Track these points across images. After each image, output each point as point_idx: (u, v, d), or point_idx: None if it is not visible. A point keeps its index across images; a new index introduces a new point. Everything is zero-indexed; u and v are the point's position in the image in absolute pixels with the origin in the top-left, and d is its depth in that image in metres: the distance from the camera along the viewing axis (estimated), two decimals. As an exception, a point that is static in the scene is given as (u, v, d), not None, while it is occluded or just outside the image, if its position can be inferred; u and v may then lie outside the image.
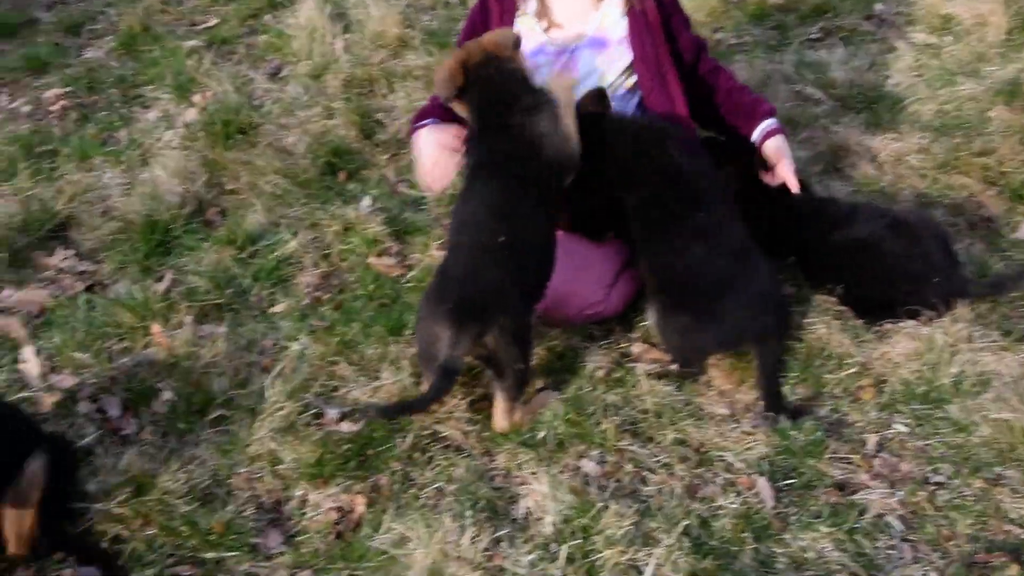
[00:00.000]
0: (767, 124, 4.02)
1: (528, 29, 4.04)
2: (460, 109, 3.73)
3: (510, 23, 4.06)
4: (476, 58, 3.64)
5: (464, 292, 3.39)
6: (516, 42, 3.70)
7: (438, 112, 3.99)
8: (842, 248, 3.94)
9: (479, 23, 4.11)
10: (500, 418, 3.50)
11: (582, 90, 3.89)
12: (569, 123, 3.63)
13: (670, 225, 3.71)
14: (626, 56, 4.00)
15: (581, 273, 3.87)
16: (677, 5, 4.11)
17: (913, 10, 6.10)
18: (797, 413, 3.51)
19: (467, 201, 3.64)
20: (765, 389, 3.61)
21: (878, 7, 6.19)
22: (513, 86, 3.65)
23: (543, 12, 4.07)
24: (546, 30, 4.07)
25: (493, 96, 3.64)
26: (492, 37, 3.71)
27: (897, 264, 3.83)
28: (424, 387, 3.52)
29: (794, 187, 3.93)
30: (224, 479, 3.40)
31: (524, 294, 3.51)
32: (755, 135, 4.02)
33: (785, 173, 3.93)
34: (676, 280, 3.69)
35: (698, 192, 3.75)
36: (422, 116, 4.07)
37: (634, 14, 3.99)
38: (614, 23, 4.02)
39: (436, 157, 3.85)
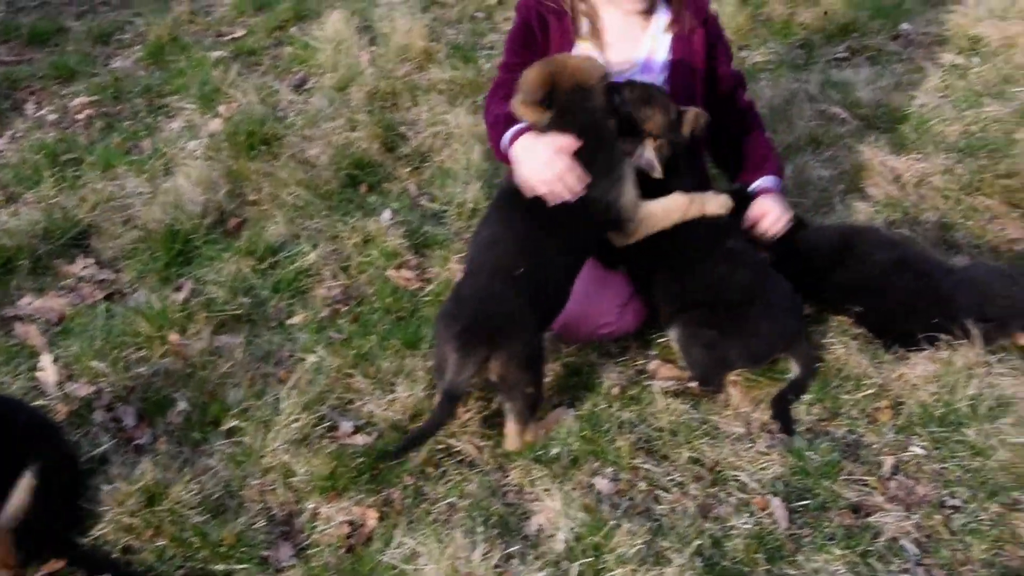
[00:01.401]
0: (766, 180, 4.00)
1: (587, 53, 3.97)
2: (530, 116, 3.63)
3: (568, 45, 3.96)
4: (566, 81, 3.58)
5: (475, 316, 3.39)
6: (604, 76, 3.65)
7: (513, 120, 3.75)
8: (845, 288, 3.95)
9: (538, 35, 3.98)
10: (512, 438, 3.49)
11: None
12: (631, 193, 3.63)
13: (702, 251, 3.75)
14: (663, 80, 3.97)
15: (595, 293, 3.86)
16: (722, 35, 4.09)
17: (941, 30, 6.07)
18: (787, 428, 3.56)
19: (494, 223, 3.64)
20: (782, 401, 3.64)
21: (904, 27, 6.16)
22: (595, 136, 3.59)
23: (595, 33, 3.99)
24: (601, 52, 3.99)
25: (573, 131, 3.58)
26: (583, 64, 3.65)
27: (902, 300, 3.83)
28: (436, 399, 3.52)
29: (766, 240, 3.93)
30: (236, 490, 3.39)
31: (536, 322, 3.50)
32: (753, 185, 4.01)
33: (763, 230, 3.92)
34: (703, 299, 3.71)
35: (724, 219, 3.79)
36: (507, 123, 3.76)
37: (679, 39, 3.95)
38: (661, 45, 3.98)
39: (562, 162, 3.53)
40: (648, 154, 3.69)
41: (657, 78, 3.95)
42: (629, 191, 3.62)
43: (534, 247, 3.51)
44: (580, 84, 3.57)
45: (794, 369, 3.74)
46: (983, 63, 5.69)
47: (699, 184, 3.89)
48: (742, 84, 4.16)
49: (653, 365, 3.86)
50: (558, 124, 3.56)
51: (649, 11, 3.96)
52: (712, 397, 3.70)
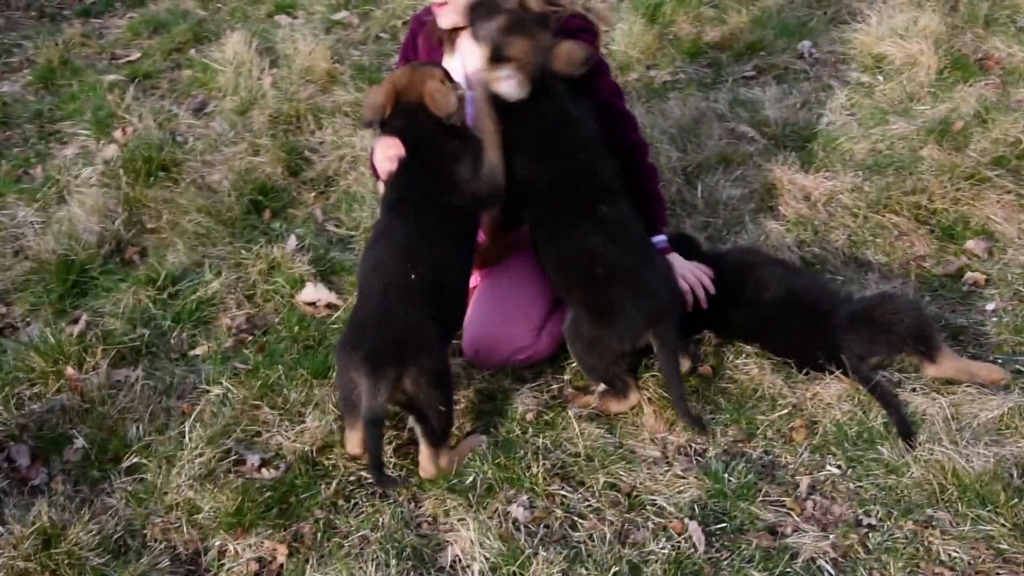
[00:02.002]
0: (659, 240, 3.92)
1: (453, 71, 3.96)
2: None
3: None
4: (406, 92, 3.62)
5: (378, 337, 3.32)
6: (444, 75, 3.66)
7: None
8: (741, 329, 3.95)
9: (412, 58, 4.07)
10: (426, 464, 3.41)
11: None
12: (494, 159, 3.58)
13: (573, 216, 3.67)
14: None
15: (511, 317, 3.84)
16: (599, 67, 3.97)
17: (846, 49, 6.14)
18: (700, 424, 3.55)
19: (376, 244, 3.60)
20: (674, 394, 3.59)
21: (803, 44, 6.22)
22: (437, 127, 3.61)
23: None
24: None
25: (417, 134, 3.61)
26: (422, 72, 3.66)
27: (795, 339, 3.82)
28: (346, 433, 3.48)
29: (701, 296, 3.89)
30: (139, 529, 3.28)
31: (440, 327, 3.46)
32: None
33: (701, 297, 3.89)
34: (576, 274, 3.66)
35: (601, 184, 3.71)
36: None
37: None
38: None
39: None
40: (510, 77, 3.63)
41: None
42: (493, 153, 3.62)
43: (419, 253, 3.47)
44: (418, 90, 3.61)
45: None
46: (887, 81, 5.76)
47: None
48: (627, 123, 4.03)
49: (569, 392, 3.81)
50: (399, 131, 3.63)
51: None
52: (623, 395, 3.65)
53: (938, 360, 3.68)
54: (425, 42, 4.07)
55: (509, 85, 3.64)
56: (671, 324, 3.58)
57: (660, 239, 3.89)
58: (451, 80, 3.69)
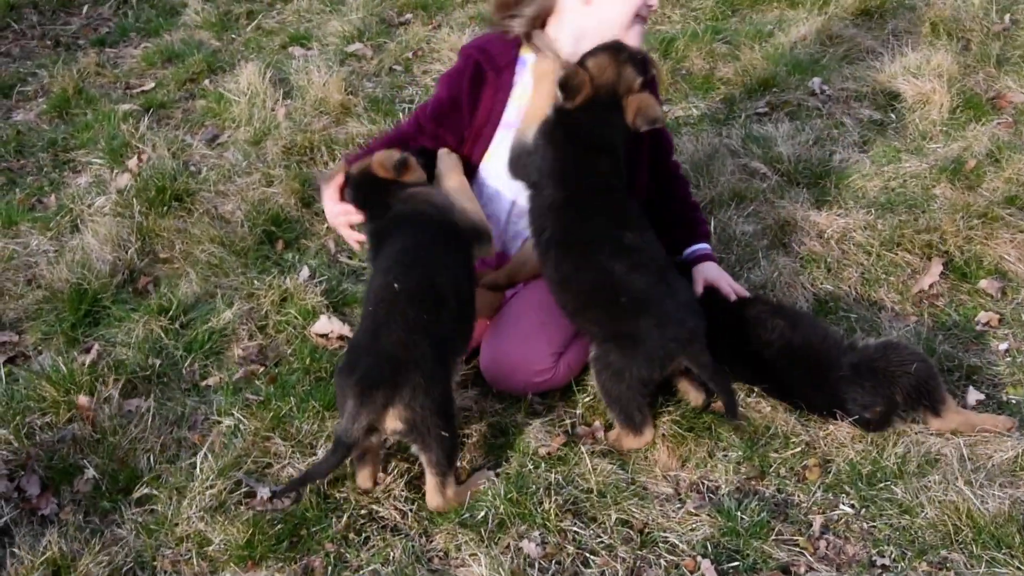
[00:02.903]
0: (702, 247, 4.07)
1: (519, 97, 3.97)
2: None
3: (504, 99, 3.96)
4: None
5: (369, 359, 3.33)
6: (398, 164, 3.74)
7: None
8: (747, 375, 3.93)
9: (465, 102, 4.00)
10: (432, 495, 3.40)
11: None
12: (466, 207, 3.74)
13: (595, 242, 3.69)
14: None
15: (530, 337, 3.82)
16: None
17: (859, 86, 6.15)
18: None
19: (375, 272, 3.66)
20: (722, 394, 3.63)
21: (814, 81, 6.24)
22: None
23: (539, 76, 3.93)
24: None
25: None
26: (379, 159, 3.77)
27: (798, 391, 3.81)
28: (356, 467, 3.51)
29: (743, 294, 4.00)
30: (148, 561, 3.27)
31: (439, 348, 3.42)
32: (688, 250, 4.08)
33: (729, 290, 3.97)
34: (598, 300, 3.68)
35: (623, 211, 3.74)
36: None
37: None
38: None
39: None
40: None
41: None
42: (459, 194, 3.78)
43: (407, 265, 3.52)
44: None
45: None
46: (900, 119, 5.78)
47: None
48: (671, 149, 4.18)
49: (581, 429, 3.80)
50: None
51: None
52: (639, 432, 3.64)
53: (943, 414, 3.64)
54: (494, 78, 3.98)
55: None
56: (702, 345, 3.60)
57: (702, 247, 4.05)
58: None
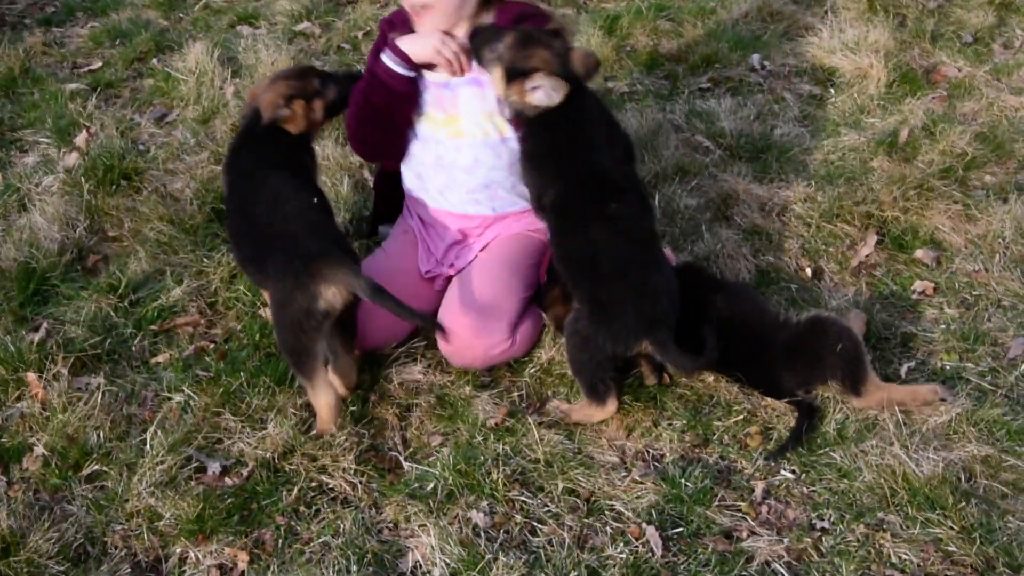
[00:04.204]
0: None
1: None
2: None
3: None
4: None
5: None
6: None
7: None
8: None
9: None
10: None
11: (467, 124, 3.99)
12: None
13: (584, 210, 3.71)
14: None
15: (485, 315, 3.86)
16: None
17: (799, 62, 6.23)
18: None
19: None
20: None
21: (756, 57, 6.31)
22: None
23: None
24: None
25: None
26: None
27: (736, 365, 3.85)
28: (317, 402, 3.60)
29: None
30: (99, 537, 3.29)
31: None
32: None
33: None
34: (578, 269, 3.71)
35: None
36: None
37: None
38: None
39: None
40: (542, 84, 3.63)
41: (490, 92, 3.92)
42: None
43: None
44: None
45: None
46: (839, 94, 5.86)
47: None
48: None
49: (530, 401, 3.87)
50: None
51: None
52: (602, 402, 3.67)
53: (863, 394, 3.67)
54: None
55: (543, 93, 3.63)
56: (668, 334, 3.60)
57: None
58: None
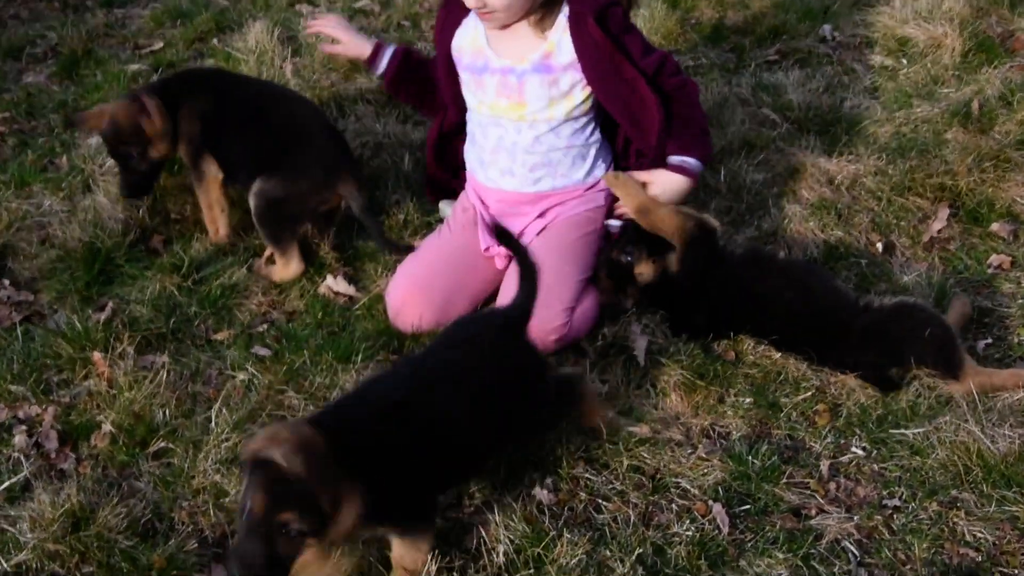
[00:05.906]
0: (684, 160, 4.03)
1: (471, 41, 4.06)
2: None
3: (449, 35, 4.16)
4: None
5: None
6: None
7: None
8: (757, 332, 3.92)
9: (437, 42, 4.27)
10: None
11: (532, 110, 3.96)
12: None
13: None
14: (576, 78, 3.94)
15: (542, 305, 3.75)
16: (628, 26, 4.00)
17: (869, 32, 6.12)
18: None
19: None
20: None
21: (826, 28, 6.21)
22: None
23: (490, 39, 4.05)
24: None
25: None
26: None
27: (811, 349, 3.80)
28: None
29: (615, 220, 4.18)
30: (166, 513, 3.29)
31: None
32: (672, 159, 4.03)
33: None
34: None
35: None
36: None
37: (579, 37, 3.87)
38: (562, 47, 3.91)
39: None
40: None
41: (561, 77, 3.92)
42: None
43: None
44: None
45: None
46: (911, 64, 5.73)
47: None
48: (665, 63, 4.01)
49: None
50: None
51: (543, 17, 3.93)
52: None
53: (961, 378, 3.59)
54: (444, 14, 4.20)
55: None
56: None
57: (672, 159, 4.04)
58: None
